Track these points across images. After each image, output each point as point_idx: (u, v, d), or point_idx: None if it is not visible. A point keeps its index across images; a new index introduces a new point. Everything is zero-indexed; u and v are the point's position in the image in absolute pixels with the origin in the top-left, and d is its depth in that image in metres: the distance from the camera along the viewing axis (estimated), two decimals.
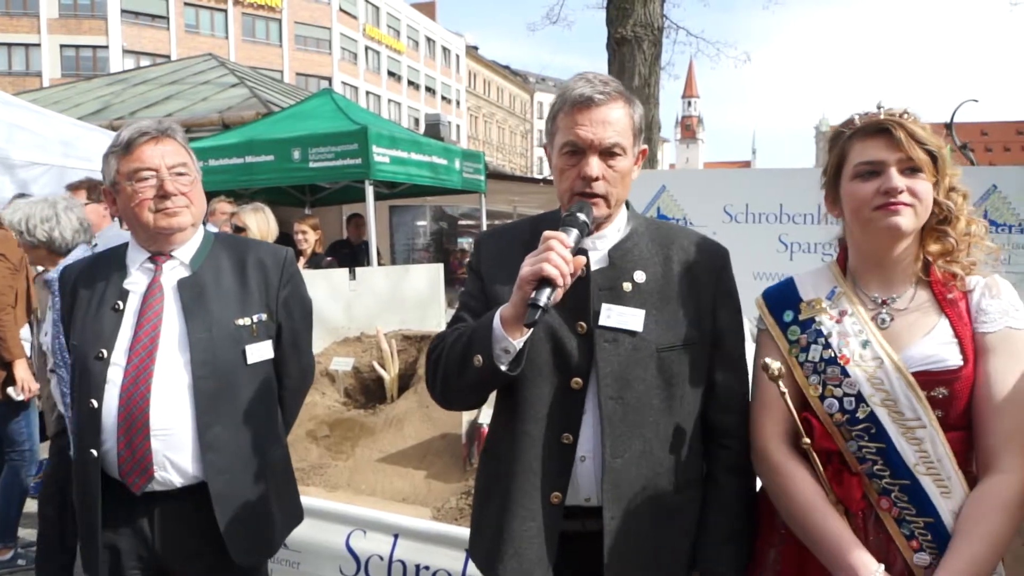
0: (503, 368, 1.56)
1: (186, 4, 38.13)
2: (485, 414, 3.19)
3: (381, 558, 2.69)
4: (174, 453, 1.93)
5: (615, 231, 1.76)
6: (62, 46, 35.29)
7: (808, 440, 1.55)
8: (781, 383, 1.53)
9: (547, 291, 1.46)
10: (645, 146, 1.81)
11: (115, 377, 1.93)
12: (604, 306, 1.67)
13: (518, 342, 1.55)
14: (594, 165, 1.64)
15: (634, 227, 1.77)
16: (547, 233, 1.52)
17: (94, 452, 1.93)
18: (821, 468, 1.54)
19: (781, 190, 3.47)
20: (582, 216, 1.59)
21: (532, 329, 1.54)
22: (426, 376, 1.82)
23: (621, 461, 1.64)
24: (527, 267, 1.50)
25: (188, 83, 13.67)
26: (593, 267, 1.71)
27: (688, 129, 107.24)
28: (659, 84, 8.09)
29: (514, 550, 1.66)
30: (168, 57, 32.52)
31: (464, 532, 2.57)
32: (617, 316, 1.67)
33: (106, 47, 35.34)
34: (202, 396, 1.95)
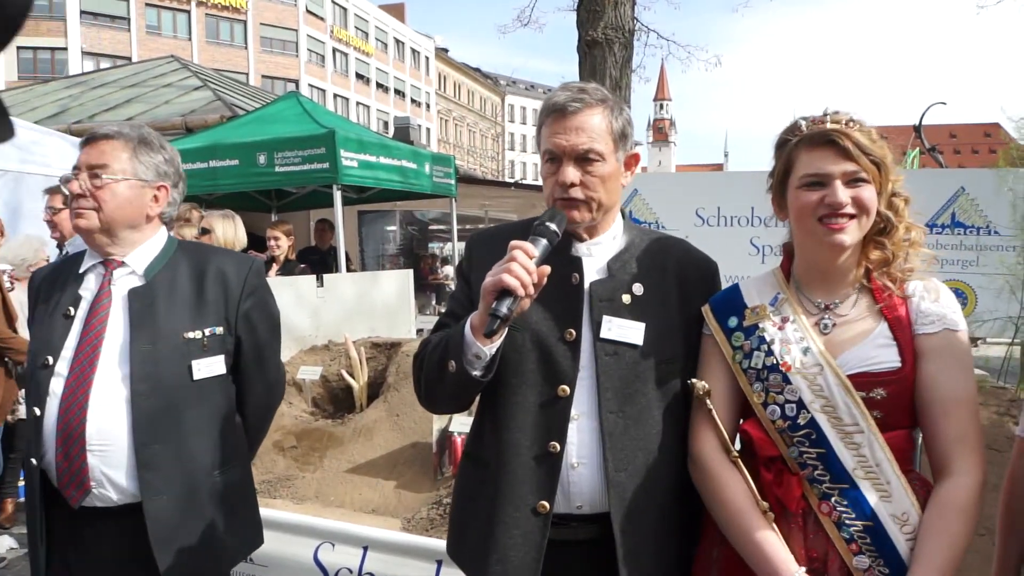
0: (476, 374, 1.58)
1: (147, 5, 37.41)
2: (456, 422, 3.14)
3: (350, 571, 2.63)
4: (110, 469, 1.87)
5: (610, 238, 1.77)
6: (19, 48, 34.40)
7: (736, 452, 1.59)
8: (708, 400, 1.57)
9: (507, 301, 1.48)
10: (636, 152, 1.81)
11: (56, 387, 1.87)
12: (605, 318, 1.68)
13: (489, 348, 1.56)
14: (569, 172, 1.67)
15: (631, 238, 1.79)
16: (513, 243, 1.53)
17: (34, 461, 1.89)
18: (751, 478, 1.57)
19: (753, 193, 3.46)
20: (552, 225, 1.60)
21: (502, 335, 1.55)
22: (413, 380, 1.83)
23: (625, 474, 1.65)
24: (489, 277, 1.51)
25: (149, 86, 13.37)
26: (590, 276, 1.72)
27: (660, 132, 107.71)
28: (630, 87, 8.10)
29: (498, 557, 1.66)
30: (129, 59, 31.84)
31: (435, 543, 2.53)
32: (618, 329, 1.67)
33: (65, 49, 34.56)
34: (140, 412, 1.87)
